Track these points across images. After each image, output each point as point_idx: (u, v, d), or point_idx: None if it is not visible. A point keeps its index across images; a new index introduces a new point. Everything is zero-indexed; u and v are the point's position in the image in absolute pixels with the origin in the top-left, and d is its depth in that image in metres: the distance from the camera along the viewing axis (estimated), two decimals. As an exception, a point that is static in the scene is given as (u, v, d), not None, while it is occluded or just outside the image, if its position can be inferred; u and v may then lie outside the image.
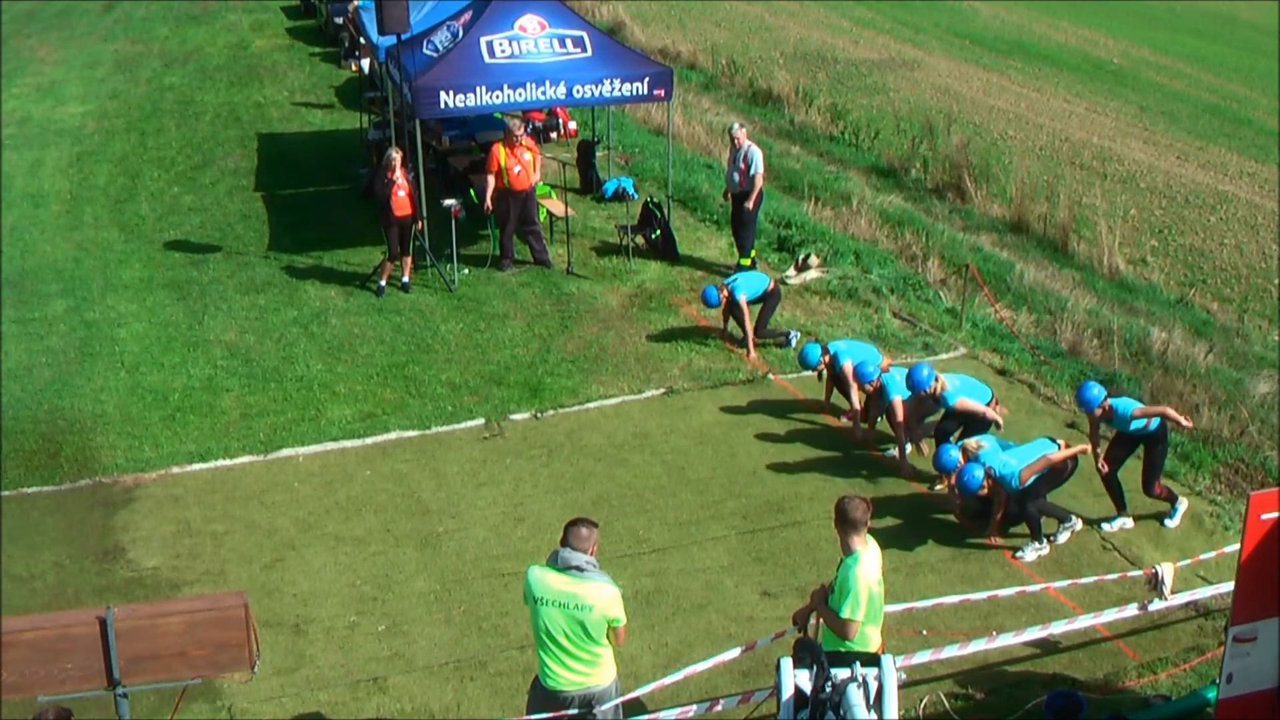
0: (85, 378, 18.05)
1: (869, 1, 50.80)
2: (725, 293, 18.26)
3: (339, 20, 36.93)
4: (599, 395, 17.30)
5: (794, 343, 18.42)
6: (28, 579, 13.56)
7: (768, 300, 18.49)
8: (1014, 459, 13.54)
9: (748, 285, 18.39)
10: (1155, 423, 13.94)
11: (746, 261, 20.77)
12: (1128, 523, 14.16)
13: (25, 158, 28.86)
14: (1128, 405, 13.85)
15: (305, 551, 13.95)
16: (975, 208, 26.41)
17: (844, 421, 16.49)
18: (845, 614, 9.52)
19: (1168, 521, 14.22)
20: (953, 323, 19.38)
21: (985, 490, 13.63)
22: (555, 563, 9.51)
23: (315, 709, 11.72)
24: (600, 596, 9.43)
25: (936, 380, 14.76)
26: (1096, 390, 13.97)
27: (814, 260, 21.32)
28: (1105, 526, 14.12)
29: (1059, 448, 13.75)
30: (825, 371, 16.57)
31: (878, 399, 15.67)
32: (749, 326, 18.28)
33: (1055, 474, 13.76)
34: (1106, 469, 14.15)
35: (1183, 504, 14.37)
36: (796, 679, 8.89)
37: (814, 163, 29.17)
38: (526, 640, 10.18)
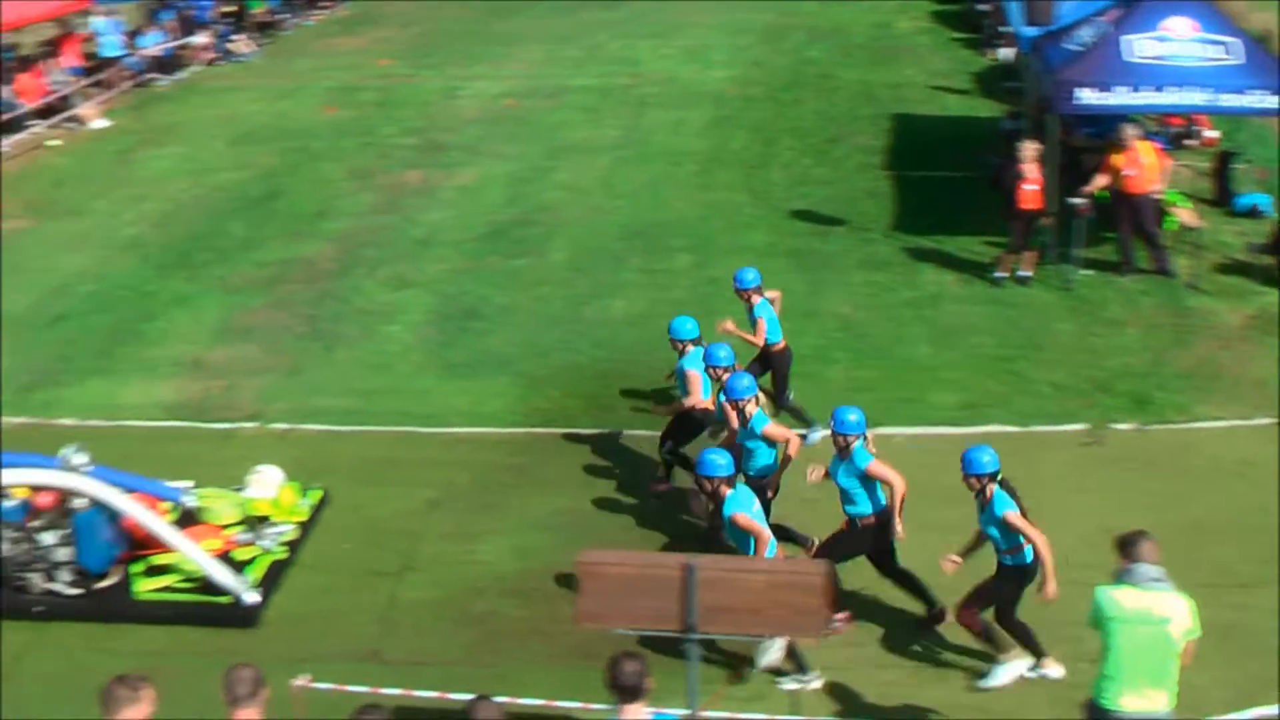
0: (702, 332, 18.85)
1: None
2: None
3: (984, 7, 36.85)
4: (1208, 416, 16.66)
5: None
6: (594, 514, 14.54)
7: None
8: None
9: None
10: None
11: None
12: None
13: (669, 116, 30.43)
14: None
15: (891, 531, 14.16)
16: None
17: None
18: None
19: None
20: None
21: None
22: (1129, 579, 9.39)
23: (876, 686, 12.00)
24: (1176, 608, 9.34)
25: None
26: None
27: None
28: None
29: None
30: None
31: None
32: None
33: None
34: None
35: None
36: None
37: None
38: (1099, 655, 10.03)
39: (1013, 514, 11.55)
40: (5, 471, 13.41)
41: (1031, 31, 21.60)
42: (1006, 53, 32.46)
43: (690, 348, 15.10)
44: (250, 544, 14.16)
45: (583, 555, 9.91)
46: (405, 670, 12.22)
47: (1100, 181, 20.54)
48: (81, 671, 12.04)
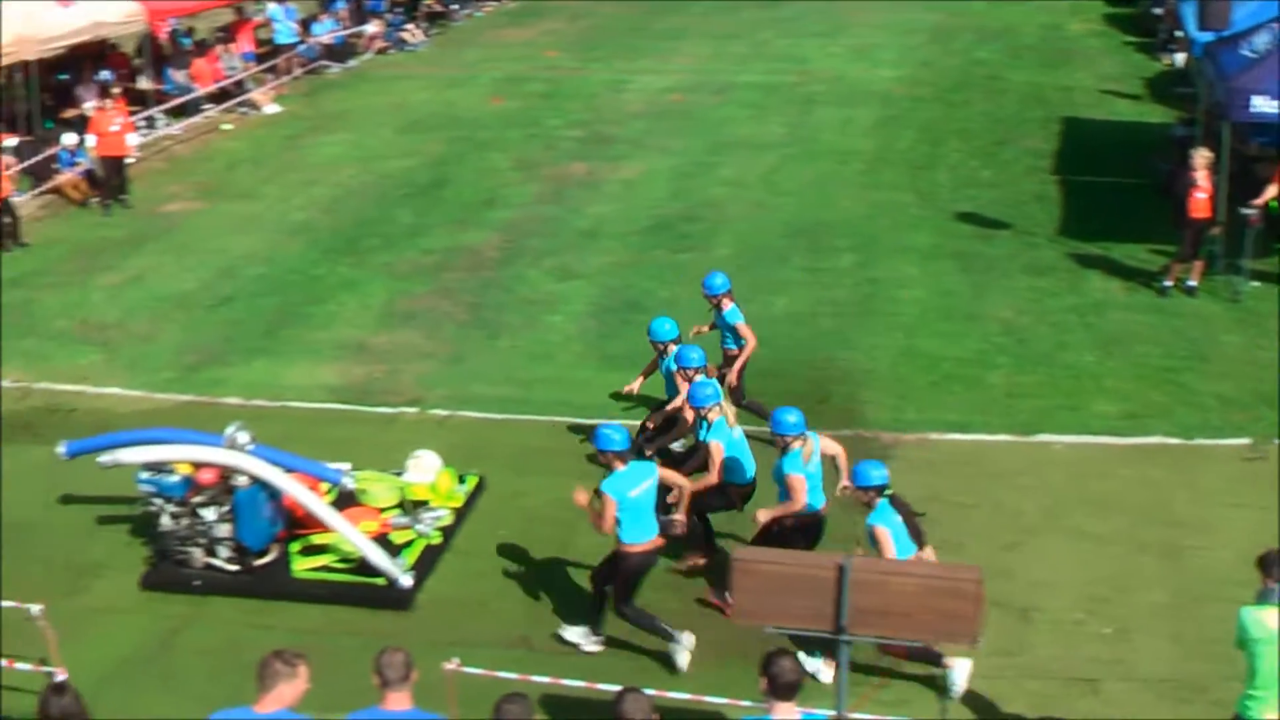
0: (863, 332, 18.93)
1: None
2: None
3: (1157, 11, 36.27)
4: (1373, 435, 16.20)
5: None
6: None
7: None
8: None
9: None
10: None
11: None
12: None
13: (836, 115, 30.41)
14: None
15: (1046, 539, 14.01)
16: None
17: None
18: None
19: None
20: None
21: None
22: (1274, 599, 9.25)
23: (1025, 696, 11.77)
24: (1320, 625, 9.10)
25: None
26: None
27: None
28: None
29: None
30: None
31: None
32: None
33: None
34: None
35: None
36: None
37: None
38: (1245, 675, 9.85)
39: (879, 529, 11.48)
40: (170, 447, 13.78)
41: (1205, 36, 21.18)
42: (1180, 58, 31.87)
43: (672, 348, 15.16)
44: (406, 528, 14.36)
45: (738, 552, 9.95)
46: (554, 658, 12.31)
47: (1272, 192, 20.10)
48: (238, 646, 12.35)
